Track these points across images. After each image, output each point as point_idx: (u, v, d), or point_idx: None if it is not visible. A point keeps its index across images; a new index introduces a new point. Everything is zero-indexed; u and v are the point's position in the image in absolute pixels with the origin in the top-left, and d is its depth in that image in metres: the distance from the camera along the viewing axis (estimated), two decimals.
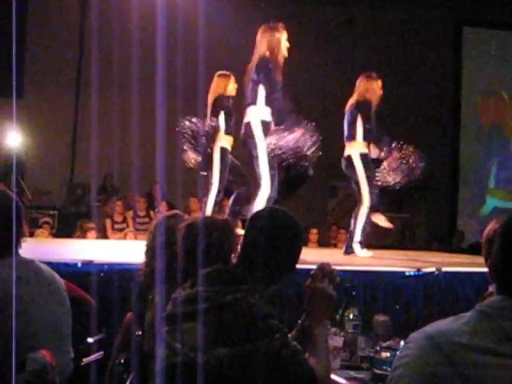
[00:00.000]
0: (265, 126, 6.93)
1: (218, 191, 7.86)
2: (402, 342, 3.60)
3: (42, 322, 3.14)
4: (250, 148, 6.98)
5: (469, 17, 16.19)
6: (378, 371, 3.45)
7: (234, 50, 14.20)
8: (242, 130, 7.08)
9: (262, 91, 6.94)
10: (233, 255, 3.31)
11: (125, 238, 11.38)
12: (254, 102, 6.97)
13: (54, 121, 14.57)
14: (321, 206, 14.95)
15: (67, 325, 3.36)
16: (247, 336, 2.60)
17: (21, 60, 13.78)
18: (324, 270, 2.96)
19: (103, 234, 11.61)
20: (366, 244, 7.78)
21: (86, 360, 3.75)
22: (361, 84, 7.86)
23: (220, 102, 7.67)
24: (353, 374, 3.46)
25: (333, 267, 3.01)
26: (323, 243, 12.60)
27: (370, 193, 7.64)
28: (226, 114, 7.68)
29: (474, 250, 10.18)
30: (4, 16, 12.35)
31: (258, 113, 6.94)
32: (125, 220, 12.10)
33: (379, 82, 7.85)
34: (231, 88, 7.80)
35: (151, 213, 12.04)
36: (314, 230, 12.20)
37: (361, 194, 7.67)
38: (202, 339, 2.63)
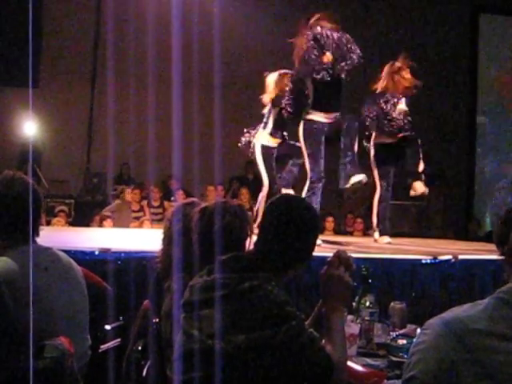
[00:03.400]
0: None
1: (270, 185, 7.96)
2: (418, 330, 3.60)
3: (59, 309, 3.16)
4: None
5: (485, 3, 16.10)
6: (394, 358, 3.45)
7: (248, 40, 14.24)
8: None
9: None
10: (247, 241, 3.31)
11: (141, 226, 11.42)
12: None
13: (70, 110, 14.61)
14: (337, 195, 14.93)
15: (85, 312, 3.38)
16: (264, 323, 2.61)
17: (37, 50, 13.81)
18: (340, 257, 2.97)
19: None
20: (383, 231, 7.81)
21: (103, 347, 3.77)
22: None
23: (277, 101, 7.77)
24: (369, 361, 3.46)
25: (349, 254, 3.02)
26: (339, 231, 12.59)
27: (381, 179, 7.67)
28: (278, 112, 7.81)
29: (490, 237, 10.15)
30: (20, 7, 12.45)
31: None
32: (141, 208, 12.14)
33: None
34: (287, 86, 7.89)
35: (165, 203, 12.07)
36: (330, 218, 12.20)
37: (374, 180, 7.72)
38: (219, 326, 2.64)
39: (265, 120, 8.01)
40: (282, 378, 2.62)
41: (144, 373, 3.54)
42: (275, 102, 7.83)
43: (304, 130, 7.12)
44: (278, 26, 13.98)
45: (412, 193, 7.72)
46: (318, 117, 7.09)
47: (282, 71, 7.97)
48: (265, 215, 2.96)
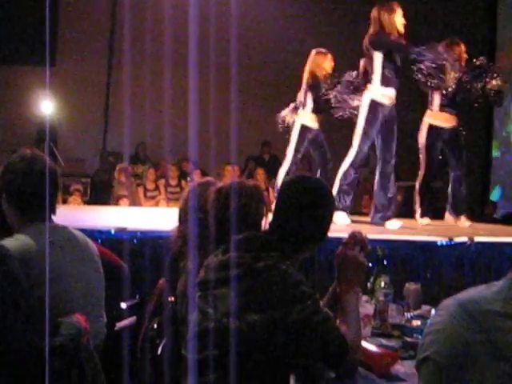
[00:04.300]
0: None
1: (291, 164, 7.95)
2: (432, 311, 3.60)
3: (75, 287, 3.18)
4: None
5: None
6: (408, 339, 3.46)
7: (265, 21, 14.19)
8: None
9: (378, 66, 7.01)
10: (263, 220, 3.31)
11: (157, 205, 11.45)
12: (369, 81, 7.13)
13: (87, 89, 14.62)
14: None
15: (100, 290, 3.40)
16: (279, 302, 2.62)
17: (54, 28, 13.83)
18: (355, 238, 2.97)
19: (136, 202, 11.69)
20: (396, 213, 7.79)
21: (119, 325, 3.80)
22: None
23: (312, 80, 7.77)
24: (383, 341, 3.47)
25: (365, 235, 3.02)
26: (355, 212, 12.57)
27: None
28: (315, 92, 7.80)
29: (506, 220, 10.11)
30: None
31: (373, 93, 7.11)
32: (157, 188, 12.16)
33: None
34: (327, 66, 7.86)
35: (182, 182, 12.08)
36: None
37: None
38: (234, 305, 2.65)
39: (301, 99, 8.04)
40: (297, 357, 2.63)
41: (159, 351, 3.57)
42: (310, 82, 7.86)
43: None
44: (294, 9, 13.97)
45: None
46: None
47: (318, 50, 7.99)
48: (280, 195, 2.96)
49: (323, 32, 13.19)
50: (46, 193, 3.03)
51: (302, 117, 7.98)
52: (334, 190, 7.06)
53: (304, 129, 7.97)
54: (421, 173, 7.87)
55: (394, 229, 6.93)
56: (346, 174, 7.23)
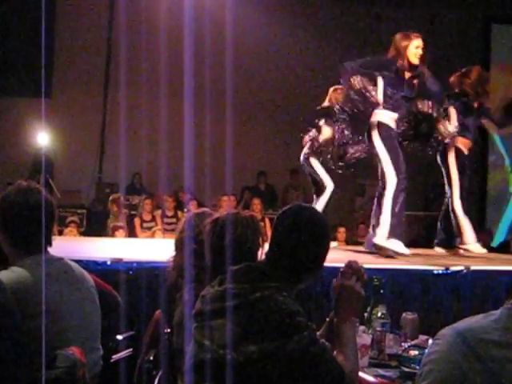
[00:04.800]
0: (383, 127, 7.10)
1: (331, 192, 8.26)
2: (430, 340, 3.59)
3: (71, 319, 3.17)
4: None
5: (497, 14, 16.06)
6: (406, 369, 3.45)
7: (261, 50, 14.27)
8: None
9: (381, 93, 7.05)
10: (259, 251, 3.30)
11: (153, 236, 11.43)
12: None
13: (83, 120, 14.67)
14: (348, 205, 14.93)
15: (97, 322, 3.39)
16: (275, 333, 2.61)
17: (49, 60, 13.88)
18: (352, 267, 2.97)
19: (132, 233, 11.68)
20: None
21: (115, 357, 3.78)
22: None
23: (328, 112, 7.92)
24: (381, 371, 3.46)
25: (361, 265, 3.02)
26: (351, 242, 12.57)
27: None
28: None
29: (502, 248, 10.08)
30: (33, 17, 12.50)
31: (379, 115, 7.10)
32: (153, 219, 12.16)
33: None
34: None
35: (179, 213, 12.08)
36: (342, 229, 12.17)
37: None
38: (230, 336, 2.64)
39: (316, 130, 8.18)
40: None
41: (155, 383, 3.55)
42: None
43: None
44: (291, 36, 14.04)
45: None
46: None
47: (335, 87, 8.14)
48: (276, 225, 2.96)
49: (322, 62, 13.26)
50: (41, 225, 3.03)
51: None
52: (387, 219, 6.98)
53: None
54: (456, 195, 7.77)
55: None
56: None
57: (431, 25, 14.49)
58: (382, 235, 6.90)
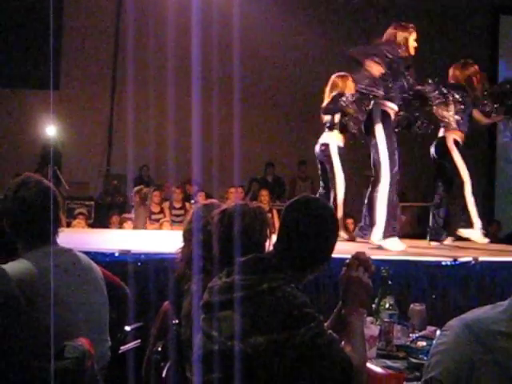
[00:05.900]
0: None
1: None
2: (438, 331, 3.59)
3: (79, 310, 3.18)
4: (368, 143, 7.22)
5: (505, 4, 16.01)
6: (413, 360, 3.44)
7: (269, 43, 14.24)
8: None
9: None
10: (267, 242, 3.30)
11: (161, 228, 11.44)
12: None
13: (91, 112, 14.69)
14: (356, 196, 14.90)
15: (105, 313, 3.40)
16: (283, 325, 2.61)
17: (57, 52, 13.90)
18: (359, 258, 2.97)
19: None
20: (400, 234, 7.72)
21: (123, 348, 3.79)
22: None
23: (336, 101, 7.82)
24: (389, 362, 3.45)
25: (368, 256, 3.01)
26: None
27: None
28: (341, 113, 7.85)
29: (511, 239, 10.08)
30: (41, 9, 12.52)
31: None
32: (162, 210, 12.16)
33: None
34: (350, 86, 7.89)
35: (187, 204, 12.08)
36: (350, 220, 12.16)
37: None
38: (238, 328, 2.64)
39: (328, 121, 8.11)
40: (301, 379, 2.62)
41: (164, 374, 3.55)
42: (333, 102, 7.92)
43: None
44: (299, 28, 14.02)
45: None
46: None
47: (339, 74, 8.07)
48: (284, 217, 2.96)
49: (329, 52, 13.22)
50: (46, 217, 3.04)
51: (336, 139, 8.04)
52: (382, 217, 6.98)
53: (338, 149, 8.03)
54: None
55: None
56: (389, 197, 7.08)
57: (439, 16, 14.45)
58: (378, 235, 6.97)
